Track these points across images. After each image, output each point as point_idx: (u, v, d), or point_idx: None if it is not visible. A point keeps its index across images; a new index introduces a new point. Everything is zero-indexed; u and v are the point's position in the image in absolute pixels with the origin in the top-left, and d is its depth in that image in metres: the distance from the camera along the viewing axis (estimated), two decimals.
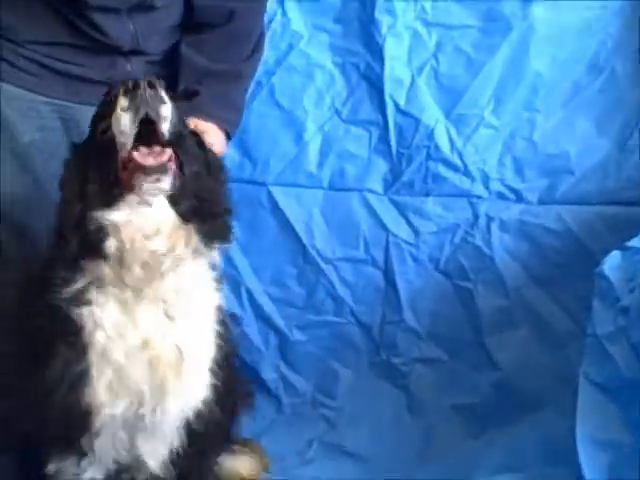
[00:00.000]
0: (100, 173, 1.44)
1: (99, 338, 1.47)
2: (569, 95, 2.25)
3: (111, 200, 1.43)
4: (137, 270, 1.45)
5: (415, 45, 2.32)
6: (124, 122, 1.38)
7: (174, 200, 1.47)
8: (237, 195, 2.44)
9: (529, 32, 2.22)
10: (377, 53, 2.34)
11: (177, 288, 1.50)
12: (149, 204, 1.44)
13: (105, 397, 1.48)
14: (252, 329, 2.53)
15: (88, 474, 1.57)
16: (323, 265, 2.48)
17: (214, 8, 1.85)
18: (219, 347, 1.60)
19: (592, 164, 2.24)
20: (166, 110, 1.40)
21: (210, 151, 1.61)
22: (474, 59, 2.28)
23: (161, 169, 1.41)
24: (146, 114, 1.37)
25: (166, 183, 1.43)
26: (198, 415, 1.58)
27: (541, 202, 2.30)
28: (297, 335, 2.52)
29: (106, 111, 1.43)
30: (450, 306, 2.38)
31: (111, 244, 1.43)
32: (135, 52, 1.80)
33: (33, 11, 1.71)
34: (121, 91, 1.38)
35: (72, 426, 1.51)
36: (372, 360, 2.48)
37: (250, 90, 2.40)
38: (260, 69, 2.42)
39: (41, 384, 1.49)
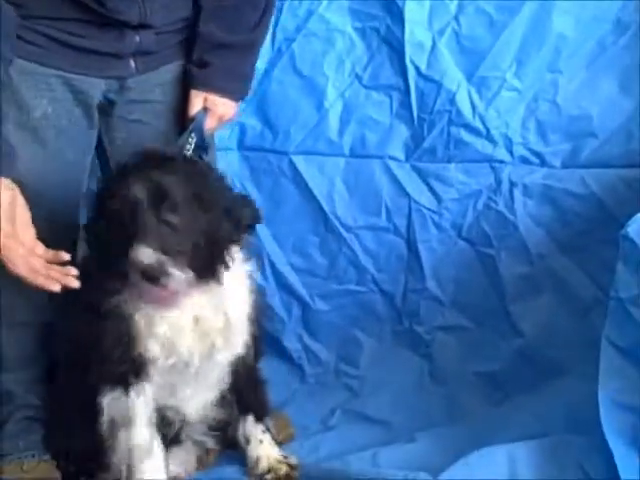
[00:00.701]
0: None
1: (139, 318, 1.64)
2: (593, 55, 2.20)
3: None
4: None
5: (436, 7, 2.28)
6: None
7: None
8: (259, 164, 2.51)
9: None
10: (397, 16, 2.30)
11: None
12: None
13: (157, 353, 1.65)
14: (275, 299, 2.52)
15: (139, 406, 1.70)
16: (345, 234, 2.46)
17: None
18: (253, 303, 1.78)
19: (615, 126, 2.19)
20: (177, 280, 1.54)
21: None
22: (496, 20, 2.23)
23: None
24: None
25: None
26: (239, 362, 1.79)
27: (564, 166, 2.25)
28: (320, 304, 2.51)
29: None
30: (473, 273, 2.36)
31: None
32: (143, 26, 1.79)
33: None
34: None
35: (124, 373, 1.68)
36: (395, 329, 2.47)
37: (268, 57, 2.42)
38: (280, 36, 2.42)
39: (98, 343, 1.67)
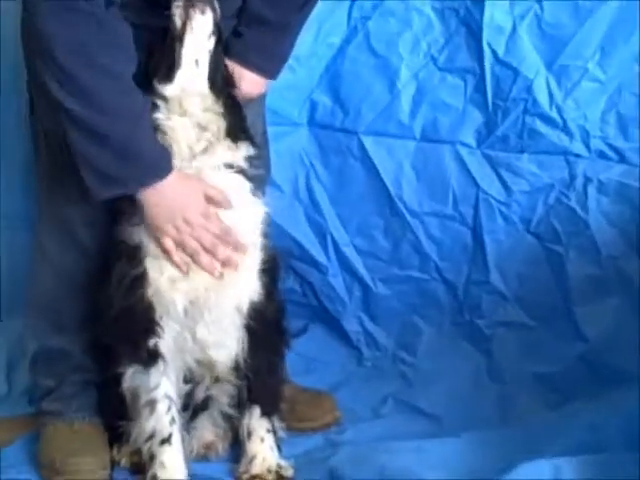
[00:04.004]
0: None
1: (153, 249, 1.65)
2: None
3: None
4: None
5: None
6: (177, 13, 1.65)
7: (211, 70, 1.67)
8: (328, 142, 2.47)
9: None
10: None
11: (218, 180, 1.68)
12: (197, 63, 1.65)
13: (164, 289, 1.64)
14: (337, 279, 2.49)
15: (161, 388, 1.69)
16: (410, 219, 2.40)
17: None
18: (265, 249, 1.73)
19: None
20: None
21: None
22: (581, 6, 2.11)
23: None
24: None
25: (209, 18, 1.64)
26: (253, 310, 1.72)
27: None
28: (381, 288, 2.47)
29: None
30: (539, 270, 2.27)
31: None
32: None
33: None
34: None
35: (134, 322, 1.67)
36: (455, 320, 2.41)
37: (343, 34, 2.36)
38: (356, 13, 2.36)
39: (104, 291, 1.70)
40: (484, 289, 2.35)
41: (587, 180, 2.19)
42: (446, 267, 2.40)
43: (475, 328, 2.36)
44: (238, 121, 1.72)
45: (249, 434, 1.78)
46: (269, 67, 1.90)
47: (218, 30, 1.68)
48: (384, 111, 2.38)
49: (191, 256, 1.64)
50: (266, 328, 1.75)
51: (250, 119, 1.83)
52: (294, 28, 1.90)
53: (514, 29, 2.19)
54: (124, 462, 1.82)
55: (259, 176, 1.80)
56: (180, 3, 1.63)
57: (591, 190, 2.19)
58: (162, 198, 1.61)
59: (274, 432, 1.79)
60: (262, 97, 2.01)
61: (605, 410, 1.90)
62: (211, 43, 1.67)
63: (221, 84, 1.70)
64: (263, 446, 1.77)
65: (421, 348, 2.40)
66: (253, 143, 1.74)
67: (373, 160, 2.41)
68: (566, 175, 2.22)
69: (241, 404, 1.80)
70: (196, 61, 1.67)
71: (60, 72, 1.51)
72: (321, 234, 2.50)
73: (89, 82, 1.52)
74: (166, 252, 1.64)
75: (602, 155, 2.18)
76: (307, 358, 2.37)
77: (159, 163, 1.61)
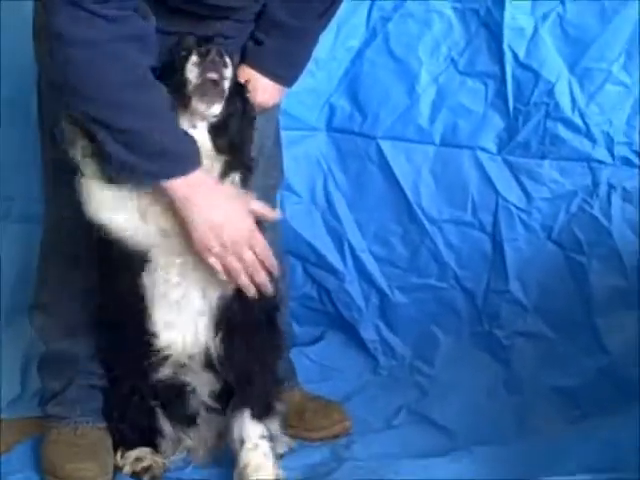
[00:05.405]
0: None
1: None
2: None
3: None
4: None
5: None
6: (192, 75, 1.57)
7: (214, 131, 1.60)
8: (346, 147, 2.43)
9: None
10: None
11: None
12: (194, 127, 1.58)
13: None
14: (353, 286, 2.46)
15: None
16: (428, 226, 2.36)
17: None
18: None
19: None
20: (228, 72, 1.59)
21: (249, 104, 1.72)
22: (607, 7, 2.05)
23: (218, 94, 1.57)
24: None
25: (216, 109, 1.57)
26: (224, 305, 1.60)
27: None
28: (398, 297, 2.42)
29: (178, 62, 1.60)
30: (560, 280, 2.21)
31: None
32: (225, 17, 1.72)
33: None
34: (195, 53, 1.57)
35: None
36: (474, 329, 2.35)
37: (362, 37, 2.33)
38: (375, 15, 2.33)
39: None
40: (503, 298, 2.29)
41: (611, 188, 2.13)
42: (465, 275, 2.35)
43: (494, 338, 2.30)
44: (233, 161, 1.64)
45: (241, 441, 1.60)
46: (286, 74, 1.86)
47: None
48: (403, 115, 2.33)
49: (229, 274, 1.58)
50: (244, 326, 1.61)
51: (261, 124, 1.79)
52: (313, 35, 1.86)
53: (536, 30, 2.14)
54: (127, 469, 1.78)
55: (266, 186, 1.77)
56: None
57: (615, 198, 2.13)
58: (198, 204, 1.53)
59: (269, 438, 1.62)
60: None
61: (624, 427, 1.82)
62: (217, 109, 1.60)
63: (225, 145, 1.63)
64: (256, 454, 1.59)
65: (438, 358, 2.35)
66: (246, 168, 1.66)
67: (391, 165, 2.37)
68: (589, 182, 2.16)
69: (227, 405, 1.64)
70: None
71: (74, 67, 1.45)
72: (338, 240, 2.46)
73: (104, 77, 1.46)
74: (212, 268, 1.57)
75: (627, 162, 2.12)
76: (322, 365, 2.34)
77: (185, 156, 1.54)
